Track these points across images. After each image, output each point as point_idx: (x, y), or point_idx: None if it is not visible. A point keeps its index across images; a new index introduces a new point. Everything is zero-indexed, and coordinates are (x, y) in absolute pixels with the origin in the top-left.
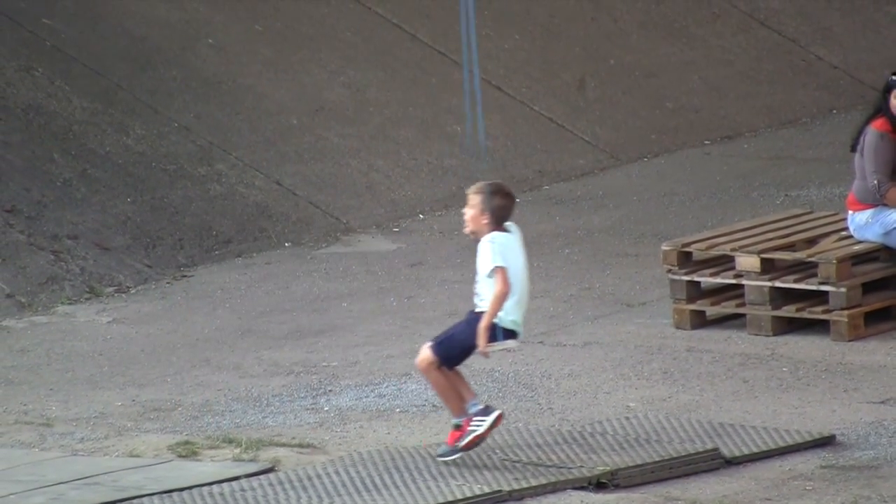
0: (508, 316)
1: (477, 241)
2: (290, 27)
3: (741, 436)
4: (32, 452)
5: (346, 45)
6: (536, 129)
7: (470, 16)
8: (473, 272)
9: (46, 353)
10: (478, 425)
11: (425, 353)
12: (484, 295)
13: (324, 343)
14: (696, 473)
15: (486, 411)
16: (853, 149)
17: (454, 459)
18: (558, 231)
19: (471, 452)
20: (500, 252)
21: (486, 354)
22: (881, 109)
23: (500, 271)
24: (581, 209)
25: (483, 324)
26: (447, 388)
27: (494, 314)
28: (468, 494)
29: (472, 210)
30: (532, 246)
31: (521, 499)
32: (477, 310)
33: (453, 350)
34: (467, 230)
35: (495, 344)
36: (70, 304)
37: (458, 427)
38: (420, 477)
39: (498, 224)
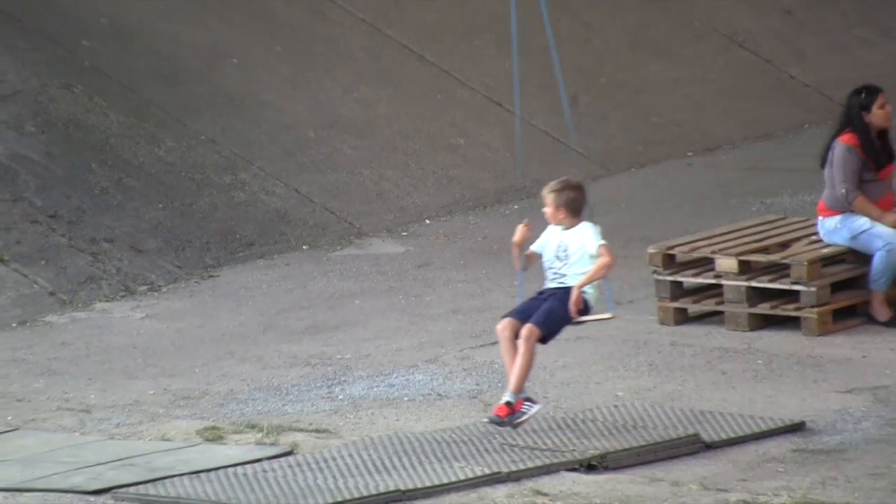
0: (589, 289)
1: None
2: (307, 48)
3: (719, 422)
4: (73, 436)
5: (358, 64)
6: (534, 142)
7: (515, 75)
8: (474, 272)
9: (85, 346)
10: (528, 408)
11: (531, 328)
12: (572, 273)
13: (338, 337)
14: (678, 457)
15: (533, 400)
16: (822, 161)
17: (501, 430)
18: None
19: (472, 437)
20: (599, 233)
21: (578, 321)
22: (848, 125)
23: (606, 247)
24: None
25: (576, 292)
26: (531, 362)
27: (591, 281)
28: (470, 475)
29: (550, 208)
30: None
31: (519, 479)
32: (564, 286)
33: (555, 324)
34: (551, 224)
35: (590, 315)
36: (107, 301)
37: (509, 404)
38: (426, 459)
39: (576, 214)
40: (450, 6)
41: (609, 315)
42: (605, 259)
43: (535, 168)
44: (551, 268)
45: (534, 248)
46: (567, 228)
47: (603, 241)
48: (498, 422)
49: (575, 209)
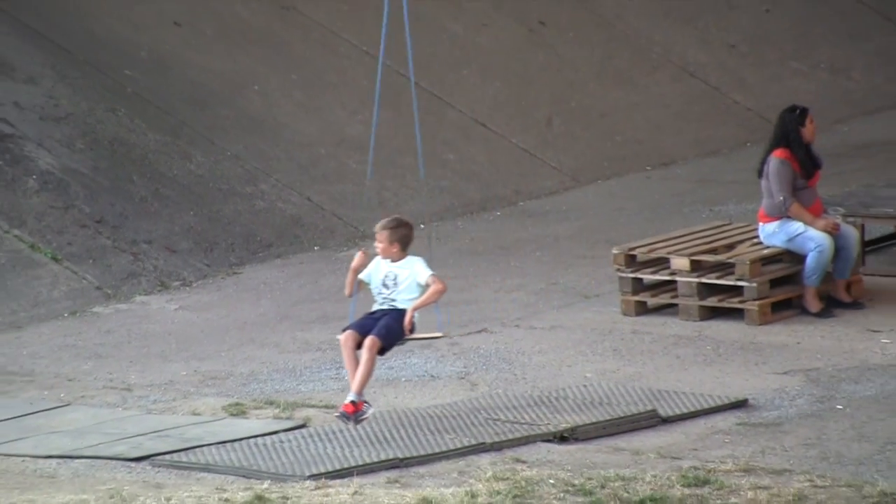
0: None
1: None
2: (319, 76)
3: (674, 400)
4: (116, 411)
5: (362, 90)
6: (513, 158)
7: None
8: (463, 269)
9: (127, 333)
10: (367, 409)
11: (374, 340)
12: (401, 299)
13: (343, 325)
14: (638, 429)
15: (369, 403)
16: (759, 173)
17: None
18: (531, 238)
19: (461, 413)
20: (426, 265)
21: (409, 338)
22: (783, 140)
23: (436, 276)
24: (549, 221)
25: (410, 313)
26: (373, 369)
27: (426, 304)
28: (458, 445)
29: (383, 244)
30: (510, 250)
31: (501, 449)
32: (398, 307)
33: (392, 338)
34: (381, 257)
35: (419, 333)
36: (145, 294)
37: (353, 403)
38: (420, 432)
39: (405, 248)
40: (440, 41)
41: (439, 334)
42: (437, 286)
43: (514, 180)
44: (381, 293)
45: (362, 276)
46: (395, 261)
47: (432, 272)
48: (346, 418)
49: (406, 244)
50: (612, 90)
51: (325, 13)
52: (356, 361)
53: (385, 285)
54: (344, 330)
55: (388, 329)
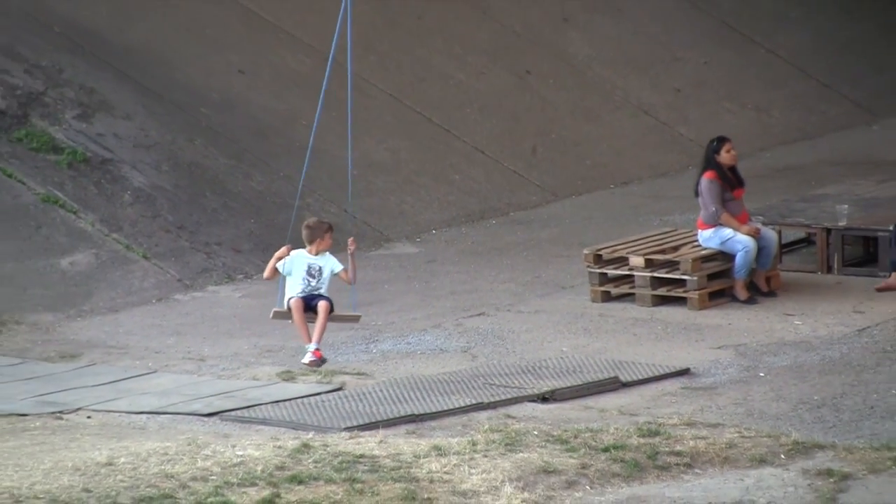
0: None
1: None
2: (353, 113)
3: (632, 368)
4: (193, 377)
5: (387, 124)
6: (506, 178)
7: None
8: (465, 266)
9: (201, 316)
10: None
11: (326, 304)
12: (324, 287)
13: (373, 310)
14: (603, 392)
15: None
16: (695, 192)
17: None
18: (519, 241)
19: (463, 379)
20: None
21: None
22: (708, 164)
23: (345, 269)
24: (533, 228)
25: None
26: (326, 323)
27: (349, 283)
28: (462, 404)
29: (316, 240)
30: (503, 250)
31: (495, 407)
32: (320, 294)
33: (332, 308)
34: (313, 252)
35: (341, 312)
36: (216, 285)
37: (318, 350)
38: (432, 394)
39: (326, 246)
40: (448, 87)
41: (357, 314)
42: (350, 275)
43: (506, 195)
44: (306, 281)
45: (280, 266)
46: (316, 254)
47: (342, 266)
48: (319, 363)
49: (326, 242)
50: (584, 125)
51: (359, 62)
52: (305, 321)
53: (311, 275)
54: (291, 299)
55: (329, 300)
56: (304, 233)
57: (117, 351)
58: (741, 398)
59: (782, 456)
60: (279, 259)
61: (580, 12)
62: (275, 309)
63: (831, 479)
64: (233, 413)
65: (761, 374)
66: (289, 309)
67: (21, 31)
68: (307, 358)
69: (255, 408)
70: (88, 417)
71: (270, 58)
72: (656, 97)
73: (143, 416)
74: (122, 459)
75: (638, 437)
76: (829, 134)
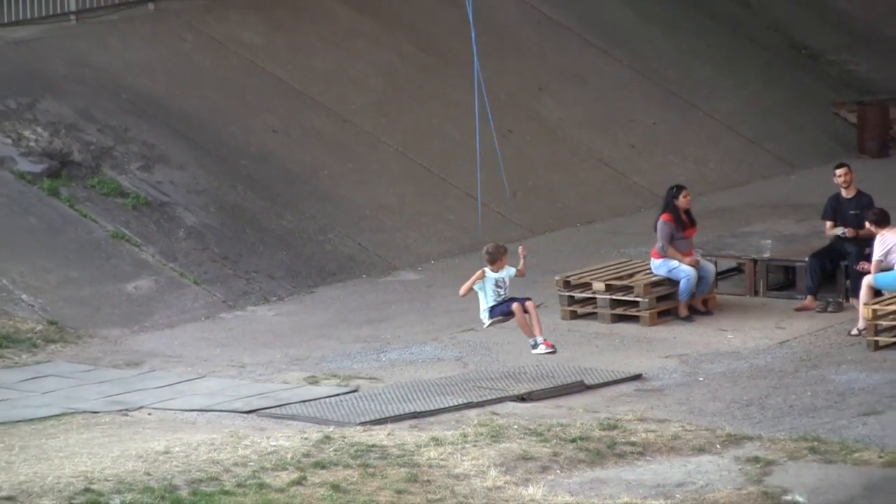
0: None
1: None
2: (365, 163)
3: (595, 374)
4: (235, 381)
5: (395, 173)
6: (491, 217)
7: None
8: (458, 290)
9: (242, 331)
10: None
11: (531, 303)
12: (510, 293)
13: (382, 326)
14: (571, 393)
15: (537, 342)
16: (654, 228)
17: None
18: None
19: (457, 382)
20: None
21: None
22: (666, 207)
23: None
24: (514, 258)
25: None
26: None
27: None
28: (455, 403)
29: (495, 261)
30: None
31: (483, 406)
32: (510, 297)
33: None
34: (496, 270)
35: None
36: (254, 306)
37: (546, 340)
38: (431, 395)
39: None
40: (445, 142)
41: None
42: (523, 270)
43: (492, 232)
44: (496, 293)
45: (476, 287)
46: (497, 271)
47: (514, 268)
48: (553, 351)
49: (504, 260)
50: (555, 174)
51: (372, 123)
52: (527, 321)
53: (499, 286)
54: (515, 303)
55: (525, 297)
56: (486, 257)
57: (173, 359)
58: (684, 398)
59: (718, 446)
60: (477, 280)
61: (552, 82)
62: (490, 320)
63: (758, 465)
64: (267, 410)
65: (700, 379)
66: (504, 316)
67: (95, 98)
68: (541, 349)
69: (286, 406)
70: (149, 414)
71: (299, 119)
72: (614, 151)
73: (194, 413)
74: (177, 448)
75: (599, 430)
76: (756, 182)
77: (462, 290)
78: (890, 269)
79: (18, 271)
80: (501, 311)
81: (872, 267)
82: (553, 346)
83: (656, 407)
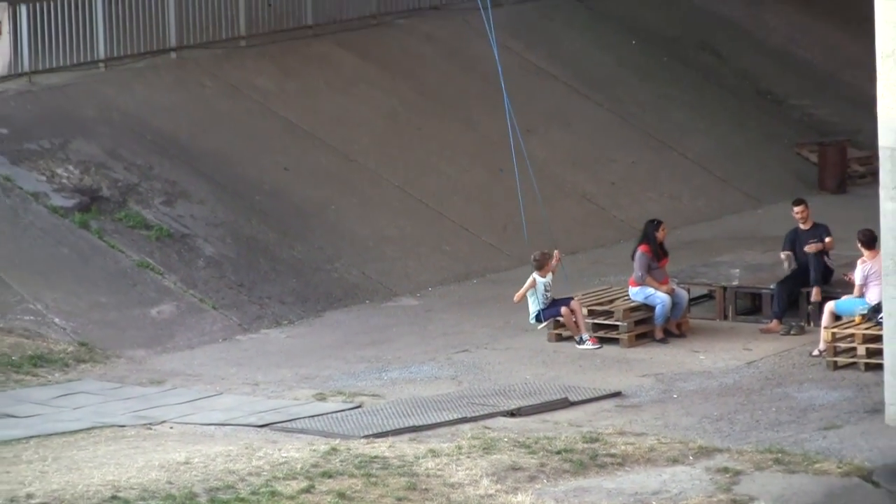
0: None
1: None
2: (369, 199)
3: (579, 391)
4: (249, 397)
5: (395, 207)
6: (484, 249)
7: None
8: (454, 315)
9: (256, 351)
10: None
11: (576, 303)
12: (555, 295)
13: (384, 347)
14: (557, 409)
15: (583, 338)
16: (632, 256)
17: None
18: (494, 296)
19: (452, 399)
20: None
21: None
22: (645, 239)
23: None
24: (505, 286)
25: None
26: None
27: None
28: (451, 418)
29: (544, 267)
30: (482, 303)
31: (476, 420)
32: (555, 298)
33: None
34: (544, 275)
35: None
36: (267, 329)
37: (589, 336)
38: (428, 410)
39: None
40: (440, 179)
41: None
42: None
43: (484, 262)
44: (545, 296)
45: (527, 294)
46: (544, 276)
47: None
48: (599, 347)
49: (550, 266)
50: (536, 213)
51: (375, 162)
52: (574, 320)
53: (546, 289)
54: (562, 306)
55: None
56: (535, 263)
57: (193, 378)
58: (660, 413)
59: (690, 457)
60: (529, 288)
61: (539, 124)
62: (544, 322)
63: (727, 475)
64: (279, 424)
65: (674, 396)
66: (554, 318)
67: (122, 138)
68: (588, 346)
69: (296, 420)
70: (171, 428)
71: (307, 158)
72: (596, 188)
73: (212, 427)
74: (196, 459)
75: (582, 442)
76: (725, 216)
77: (516, 297)
78: (861, 295)
79: (52, 297)
80: (551, 313)
81: (855, 291)
82: (598, 342)
83: (634, 421)
